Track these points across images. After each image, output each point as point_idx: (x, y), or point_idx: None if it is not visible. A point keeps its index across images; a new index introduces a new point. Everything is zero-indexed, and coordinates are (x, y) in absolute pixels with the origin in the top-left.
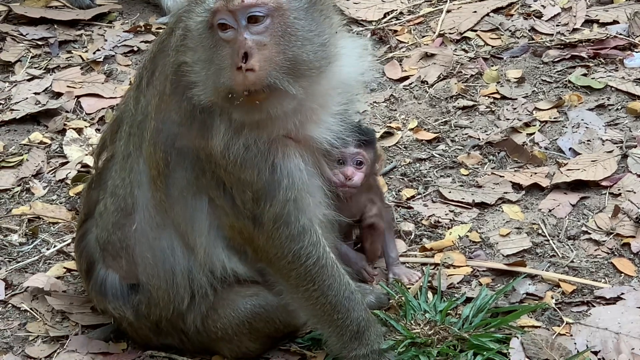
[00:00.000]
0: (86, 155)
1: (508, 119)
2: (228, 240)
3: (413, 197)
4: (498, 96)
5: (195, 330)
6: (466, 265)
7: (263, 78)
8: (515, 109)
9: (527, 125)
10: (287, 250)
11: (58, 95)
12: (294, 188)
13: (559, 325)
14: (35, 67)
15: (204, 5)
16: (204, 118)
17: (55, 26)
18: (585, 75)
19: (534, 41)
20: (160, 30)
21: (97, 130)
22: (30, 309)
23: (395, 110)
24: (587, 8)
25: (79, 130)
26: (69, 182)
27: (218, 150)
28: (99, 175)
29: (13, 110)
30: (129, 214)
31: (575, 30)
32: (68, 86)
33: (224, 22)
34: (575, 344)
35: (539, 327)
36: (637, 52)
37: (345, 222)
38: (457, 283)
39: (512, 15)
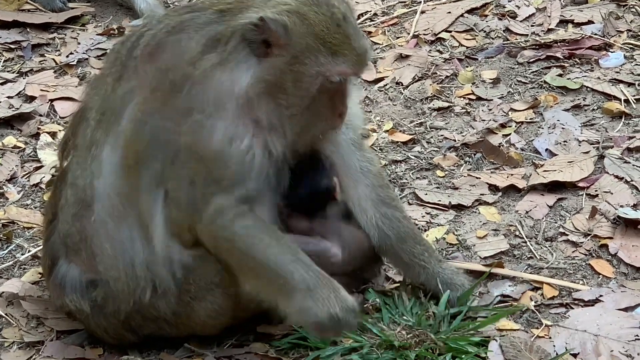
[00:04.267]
0: None
1: (484, 120)
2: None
3: None
4: (473, 97)
5: (174, 313)
6: None
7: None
8: (490, 109)
9: (502, 126)
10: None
11: (31, 99)
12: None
13: (537, 328)
14: (8, 71)
15: (333, 61)
16: (201, 119)
17: (28, 29)
18: (560, 75)
19: (508, 42)
20: None
21: None
22: (5, 314)
23: (370, 111)
24: (561, 8)
25: (53, 134)
26: (43, 186)
27: (211, 146)
28: (63, 173)
29: None
30: (88, 205)
31: (550, 30)
32: (41, 90)
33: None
34: (554, 346)
35: (518, 329)
36: (612, 52)
37: None
38: None
39: (486, 15)
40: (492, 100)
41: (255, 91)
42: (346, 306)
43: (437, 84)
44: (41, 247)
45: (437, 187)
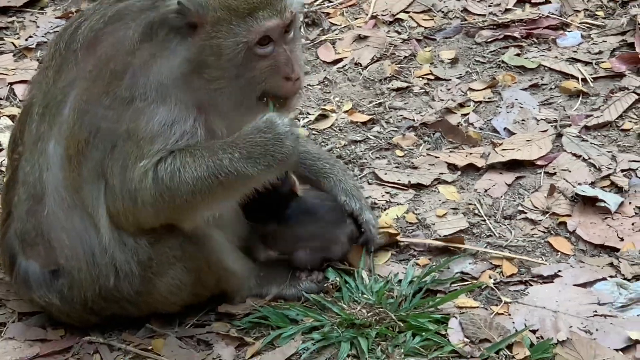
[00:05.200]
0: None
1: (442, 100)
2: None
3: None
4: (432, 77)
5: (136, 292)
6: (400, 242)
7: (303, 82)
8: (449, 89)
9: (461, 105)
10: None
11: None
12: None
13: (497, 305)
14: None
15: (248, 24)
16: (142, 106)
17: None
18: (518, 55)
19: (466, 22)
20: None
21: None
22: None
23: (330, 92)
24: None
25: (13, 117)
26: (3, 169)
27: (150, 126)
28: (13, 173)
29: None
30: (40, 199)
31: (507, 10)
32: (1, 73)
33: (270, 36)
34: (513, 323)
35: (477, 307)
36: (569, 31)
37: None
38: (394, 262)
39: None
40: (450, 80)
41: (186, 71)
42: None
43: (396, 64)
44: None
45: (397, 167)
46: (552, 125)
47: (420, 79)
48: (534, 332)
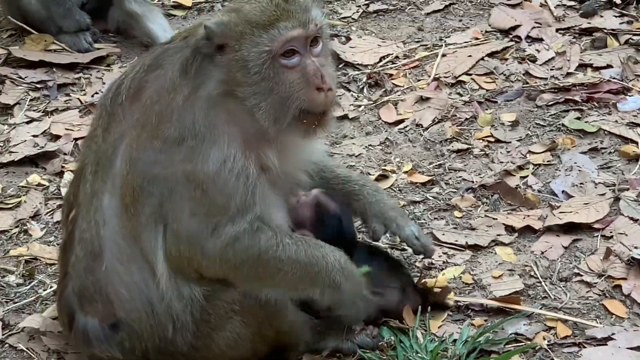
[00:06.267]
0: None
1: (502, 162)
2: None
3: None
4: (492, 139)
5: (193, 347)
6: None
7: (336, 94)
8: (509, 152)
9: (520, 168)
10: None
11: (56, 137)
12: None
13: None
14: (34, 110)
15: (270, 34)
16: (194, 145)
17: (54, 69)
18: (578, 118)
19: (528, 85)
20: None
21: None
22: (27, 348)
23: (390, 153)
24: (581, 52)
25: None
26: None
27: (208, 172)
28: (70, 234)
29: (11, 152)
30: (97, 255)
31: (569, 74)
32: (66, 129)
33: (294, 48)
34: None
35: None
36: (630, 95)
37: None
38: (449, 322)
39: (506, 59)
40: (510, 142)
41: (221, 93)
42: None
43: (457, 126)
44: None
45: (455, 228)
46: (610, 189)
47: (481, 141)
48: None
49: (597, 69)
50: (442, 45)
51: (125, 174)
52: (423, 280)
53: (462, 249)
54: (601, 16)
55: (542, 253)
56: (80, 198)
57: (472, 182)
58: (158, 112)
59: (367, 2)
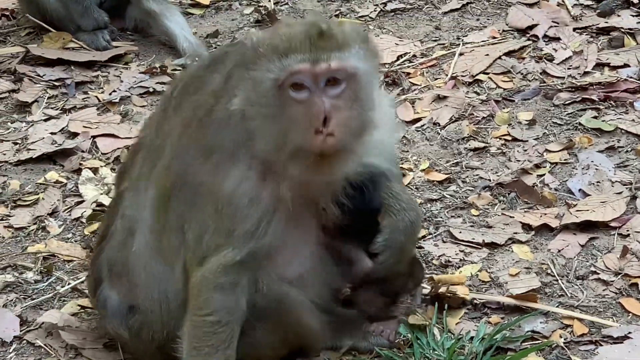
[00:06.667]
0: (101, 194)
1: (519, 161)
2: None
3: (424, 237)
4: (509, 138)
5: None
6: (471, 299)
7: (340, 141)
8: (526, 150)
9: (537, 166)
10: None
11: (74, 135)
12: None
13: None
14: (52, 108)
15: (281, 63)
16: (220, 160)
17: (72, 67)
18: (595, 117)
19: (545, 84)
20: (177, 72)
21: (113, 169)
22: (45, 344)
23: (407, 151)
24: (598, 52)
25: (95, 170)
26: (84, 220)
27: (225, 191)
28: (116, 200)
29: (29, 149)
30: (132, 233)
31: (586, 73)
32: (84, 126)
33: (301, 82)
34: None
35: None
36: None
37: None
38: (466, 320)
39: (524, 58)
40: (527, 141)
41: (241, 111)
42: None
43: (474, 124)
44: (81, 280)
45: (472, 226)
46: (627, 188)
47: (498, 139)
48: None
49: (614, 68)
50: (459, 44)
51: (163, 175)
52: (437, 277)
53: (479, 246)
54: (618, 15)
55: (559, 251)
56: (132, 173)
57: (489, 180)
58: (199, 117)
59: (384, 1)
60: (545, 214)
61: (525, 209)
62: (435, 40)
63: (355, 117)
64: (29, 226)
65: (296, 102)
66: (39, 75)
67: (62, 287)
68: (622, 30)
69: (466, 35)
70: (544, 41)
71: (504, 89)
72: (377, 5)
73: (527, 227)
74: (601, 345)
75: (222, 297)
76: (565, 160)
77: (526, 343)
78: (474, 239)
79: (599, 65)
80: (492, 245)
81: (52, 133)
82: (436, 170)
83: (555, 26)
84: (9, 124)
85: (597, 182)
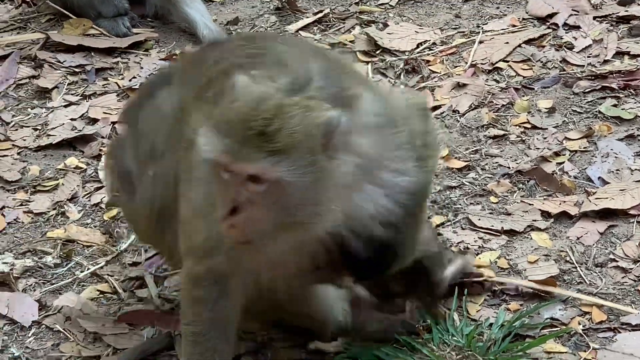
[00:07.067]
0: None
1: (538, 148)
2: None
3: (443, 224)
4: (529, 126)
5: None
6: (493, 282)
7: (244, 237)
8: (545, 138)
9: (556, 154)
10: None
11: (94, 121)
12: None
13: (585, 351)
14: (72, 94)
15: (212, 141)
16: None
17: (92, 54)
18: (615, 106)
19: (565, 72)
20: None
21: None
22: (63, 329)
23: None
24: (618, 40)
25: None
26: (103, 206)
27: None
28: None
29: (49, 135)
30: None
31: (606, 61)
32: (104, 112)
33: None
34: None
35: (565, 352)
36: None
37: None
38: (485, 307)
39: (543, 46)
40: (547, 129)
41: None
42: None
43: (493, 112)
44: (100, 265)
45: (490, 213)
46: None
47: (517, 127)
48: None
49: (634, 56)
50: (479, 32)
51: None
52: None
53: (498, 234)
54: (638, 4)
55: (578, 239)
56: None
57: (508, 167)
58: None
59: None
60: (565, 201)
61: (545, 197)
62: (455, 28)
63: (272, 218)
64: (49, 211)
65: (219, 178)
66: (59, 62)
67: (82, 272)
68: None
69: (486, 24)
70: (564, 29)
71: (524, 77)
72: None
73: (546, 214)
74: (620, 332)
75: (198, 309)
76: (584, 148)
77: (545, 330)
78: (493, 226)
79: (619, 54)
80: (511, 233)
81: (72, 119)
82: (455, 158)
83: (575, 14)
84: (29, 109)
85: (617, 170)
